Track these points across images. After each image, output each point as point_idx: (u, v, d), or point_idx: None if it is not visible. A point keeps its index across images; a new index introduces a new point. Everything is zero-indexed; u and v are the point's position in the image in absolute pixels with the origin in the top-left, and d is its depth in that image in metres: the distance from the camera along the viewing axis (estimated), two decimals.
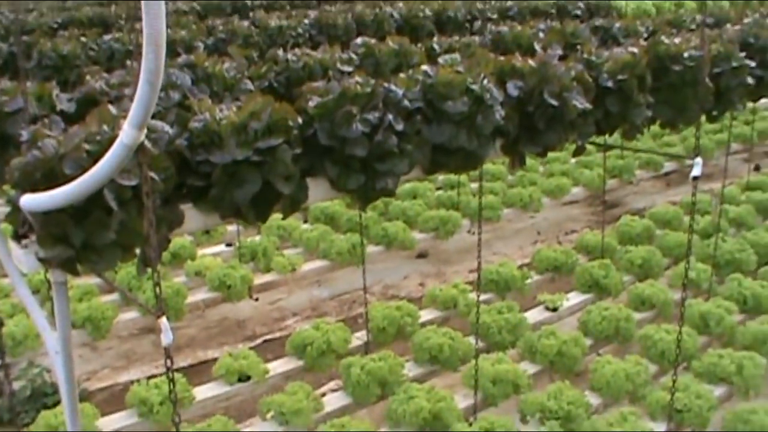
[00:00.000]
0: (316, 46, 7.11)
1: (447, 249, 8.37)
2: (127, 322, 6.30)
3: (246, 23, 7.28)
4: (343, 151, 3.06)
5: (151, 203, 2.22)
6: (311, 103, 3.11)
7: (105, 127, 2.59)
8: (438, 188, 9.35)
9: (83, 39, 6.47)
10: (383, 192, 3.19)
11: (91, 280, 6.55)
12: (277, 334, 6.73)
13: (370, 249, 7.48)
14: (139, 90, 1.90)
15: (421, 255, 8.28)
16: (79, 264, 2.55)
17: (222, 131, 2.76)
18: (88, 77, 3.88)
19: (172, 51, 6.36)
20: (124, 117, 2.72)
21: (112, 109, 2.72)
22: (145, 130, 1.98)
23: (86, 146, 2.49)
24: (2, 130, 3.39)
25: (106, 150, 2.50)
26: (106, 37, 6.48)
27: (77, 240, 2.45)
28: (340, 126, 3.04)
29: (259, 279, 7.03)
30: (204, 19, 9.24)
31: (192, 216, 2.82)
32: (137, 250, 2.68)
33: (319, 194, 3.16)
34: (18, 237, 2.61)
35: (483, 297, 6.34)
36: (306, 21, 7.32)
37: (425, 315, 6.22)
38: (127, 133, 1.96)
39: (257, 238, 7.49)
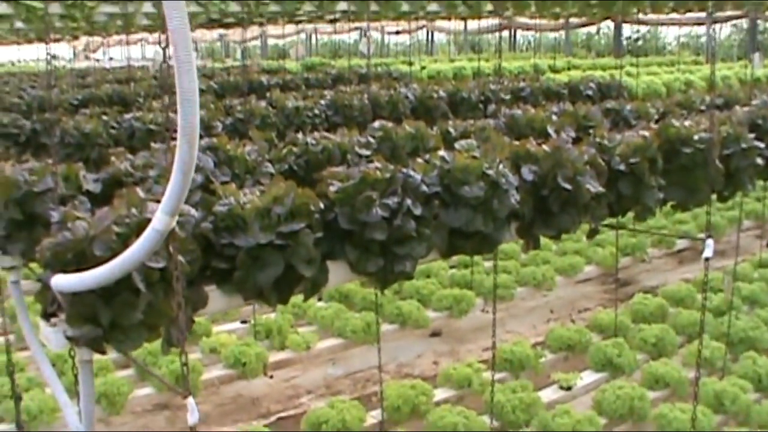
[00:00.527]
0: (333, 127, 7.25)
1: (460, 327, 8.39)
2: (142, 397, 6.33)
3: (263, 103, 7.43)
4: (363, 235, 3.14)
5: (180, 286, 2.29)
6: (332, 188, 3.20)
7: (134, 210, 2.68)
8: (451, 267, 9.39)
9: (105, 117, 6.61)
10: (402, 275, 3.25)
11: (105, 355, 6.58)
12: (292, 412, 6.73)
13: (385, 327, 7.52)
14: (173, 179, 1.98)
15: (435, 333, 8.30)
16: (106, 343, 2.61)
17: (246, 215, 2.85)
18: (113, 158, 3.97)
19: (166, 128, 6.48)
20: (152, 200, 2.83)
21: (140, 192, 2.81)
22: (177, 217, 2.06)
23: (115, 228, 2.58)
24: (31, 209, 3.47)
25: (134, 232, 2.60)
26: (127, 116, 6.61)
27: (105, 320, 2.52)
28: (361, 211, 3.12)
29: (274, 356, 7.06)
30: (221, 98, 9.41)
31: (215, 297, 2.89)
32: (161, 330, 2.75)
33: (339, 277, 3.23)
34: (47, 315, 2.68)
35: (497, 376, 6.35)
36: (322, 102, 7.47)
37: (440, 393, 6.23)
38: (159, 220, 2.04)
39: (272, 315, 7.54)
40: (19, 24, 11.33)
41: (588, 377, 6.61)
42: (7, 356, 4.41)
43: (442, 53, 32.73)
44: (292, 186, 2.99)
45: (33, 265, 3.70)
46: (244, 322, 7.69)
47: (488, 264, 9.26)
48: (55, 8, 8.19)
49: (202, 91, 10.63)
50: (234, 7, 9.06)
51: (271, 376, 7.21)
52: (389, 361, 7.59)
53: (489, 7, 10.56)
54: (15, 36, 16.15)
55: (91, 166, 5.13)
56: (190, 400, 2.43)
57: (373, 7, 10.01)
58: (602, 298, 9.58)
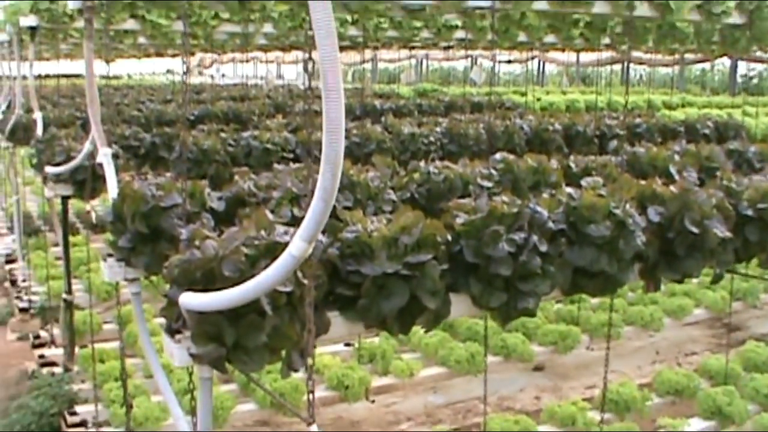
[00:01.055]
0: (448, 155, 7.22)
1: (564, 363, 8.25)
2: (245, 413, 6.37)
3: (378, 128, 7.43)
4: (488, 269, 3.09)
5: (311, 313, 2.28)
6: (459, 221, 3.16)
7: (262, 232, 2.68)
8: (557, 301, 9.26)
9: (223, 134, 6.69)
10: (524, 312, 3.19)
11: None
12: None
13: (488, 359, 7.42)
14: (313, 206, 1.97)
15: (538, 368, 8.17)
16: (229, 363, 2.61)
17: (373, 243, 2.83)
18: (236, 177, 4.00)
19: (307, 152, 6.53)
20: (279, 223, 2.83)
21: (269, 214, 2.81)
22: (313, 244, 2.04)
23: (244, 250, 2.58)
24: (156, 224, 3.51)
25: (263, 255, 2.60)
26: (245, 134, 6.68)
27: (230, 340, 2.52)
28: (487, 245, 3.08)
29: (376, 381, 7.03)
30: None
31: (337, 323, 2.87)
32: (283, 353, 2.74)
33: (461, 310, 3.19)
34: (171, 331, 2.70)
35: (599, 417, 6.22)
36: (438, 129, 7.44)
37: (542, 430, 6.12)
38: (297, 246, 2.02)
39: (376, 339, 7.53)
40: (141, 39, 11.61)
41: (696, 424, 6.42)
42: (121, 364, 4.47)
43: (552, 84, 32.53)
44: (420, 216, 2.96)
45: (154, 278, 3.75)
46: (347, 344, 7.69)
47: (594, 300, 9.10)
48: (179, 25, 8.33)
49: (315, 113, 10.69)
50: (352, 31, 9.11)
51: (373, 401, 7.18)
52: (491, 394, 7.49)
53: (606, 40, 10.39)
54: (135, 51, 16.55)
55: (209, 183, 5.19)
56: (314, 428, 2.40)
57: (490, 36, 9.91)
58: (710, 343, 9.32)
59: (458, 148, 7.29)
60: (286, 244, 2.62)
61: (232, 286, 2.46)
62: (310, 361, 2.38)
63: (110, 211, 3.71)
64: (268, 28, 8.74)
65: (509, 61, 29.52)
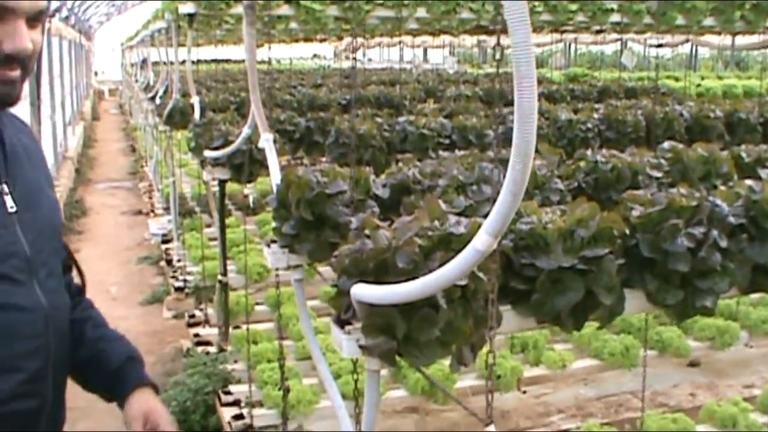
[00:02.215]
0: (605, 142, 7.04)
1: (721, 360, 7.95)
2: (394, 399, 6.38)
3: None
4: (665, 265, 2.96)
5: (495, 309, 2.20)
6: (634, 213, 3.03)
7: (436, 223, 2.62)
8: None
9: (378, 119, 6.67)
10: (701, 310, 3.04)
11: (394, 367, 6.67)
12: (541, 430, 6.58)
13: (642, 352, 7.22)
14: (501, 199, 1.89)
15: (693, 364, 7.90)
16: (399, 356, 2.56)
17: (548, 236, 2.73)
18: (400, 164, 3.95)
19: (463, 137, 6.46)
20: (451, 213, 2.76)
21: (442, 204, 2.74)
22: (499, 239, 1.96)
23: (418, 241, 2.52)
24: (321, 211, 3.49)
25: (436, 246, 2.53)
26: (400, 119, 6.64)
27: (401, 333, 2.47)
28: (665, 239, 2.94)
29: (528, 371, 6.93)
30: (489, 105, 9.36)
31: (508, 317, 2.78)
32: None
33: (635, 306, 3.06)
34: (340, 321, 2.66)
35: (762, 419, 5.98)
36: (595, 116, 7.25)
37: (701, 429, 5.91)
38: (482, 240, 1.95)
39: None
40: (292, 24, 11.72)
41: None
42: (279, 349, 4.50)
43: (704, 68, 31.57)
44: (596, 208, 2.85)
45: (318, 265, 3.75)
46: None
47: (754, 295, 8.75)
48: (332, 11, 8.36)
49: (467, 98, 10.69)
50: None
51: (524, 392, 7.08)
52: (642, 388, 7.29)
53: None
54: (285, 36, 16.75)
55: (365, 168, 5.17)
56: (491, 429, 2.33)
57: (647, 20, 9.64)
58: None
59: (616, 135, 7.10)
60: (460, 236, 2.56)
61: (405, 277, 2.41)
62: (491, 359, 2.30)
63: (274, 197, 3.71)
64: (421, 12, 8.68)
65: (660, 45, 28.73)
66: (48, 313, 1.81)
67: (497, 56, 2.23)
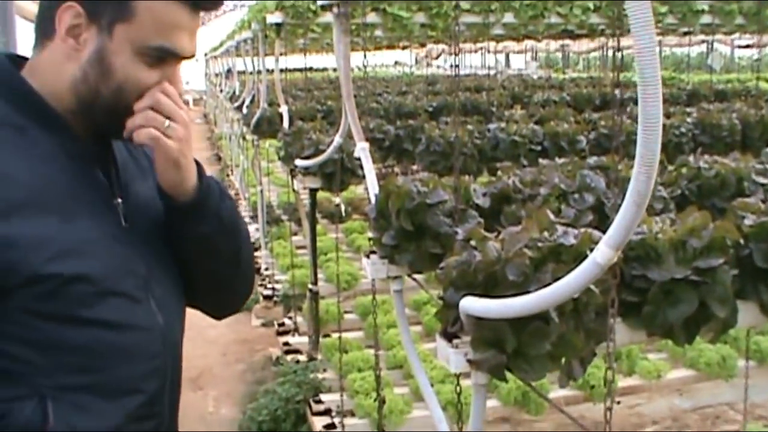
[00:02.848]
0: (700, 146, 6.88)
1: None
2: (489, 409, 6.32)
3: (627, 120, 7.16)
4: None
5: (614, 323, 2.14)
6: (746, 222, 2.94)
7: (545, 234, 2.57)
8: None
9: (468, 126, 6.62)
10: None
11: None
12: None
13: (740, 363, 7.05)
14: (623, 210, 1.83)
15: None
16: (508, 371, 2.51)
17: (660, 247, 2.66)
18: (499, 173, 3.90)
19: (555, 144, 6.38)
20: (560, 223, 2.70)
21: (550, 214, 2.69)
22: (620, 251, 1.90)
23: (528, 252, 2.47)
24: (421, 221, 3.45)
25: (546, 258, 2.48)
26: (491, 126, 6.58)
27: (511, 347, 2.42)
28: None
29: (621, 381, 6.81)
30: (578, 111, 9.25)
31: (619, 330, 2.71)
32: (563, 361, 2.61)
33: (748, 319, 2.96)
34: (447, 335, 2.62)
35: None
36: (688, 120, 7.10)
37: None
38: (602, 253, 1.89)
39: None
40: (377, 32, 11.73)
41: None
42: (375, 359, 4.47)
43: None
44: (708, 217, 2.76)
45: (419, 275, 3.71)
46: None
47: None
48: (418, 18, 8.35)
49: (555, 103, 10.59)
50: (594, 19, 8.85)
51: (618, 402, 6.96)
52: (739, 400, 7.10)
53: None
54: (369, 43, 16.78)
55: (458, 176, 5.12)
56: None
57: (739, 20, 9.45)
58: None
59: (711, 140, 6.94)
60: (570, 247, 2.50)
61: (515, 290, 2.36)
62: (609, 375, 2.24)
63: (373, 207, 3.69)
64: (508, 17, 8.62)
65: (748, 46, 28.15)
66: (164, 331, 1.79)
67: (617, 61, 2.15)
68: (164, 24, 1.68)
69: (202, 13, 1.77)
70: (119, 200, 1.78)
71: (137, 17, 1.66)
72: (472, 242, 2.67)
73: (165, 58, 1.71)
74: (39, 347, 1.59)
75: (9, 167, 1.60)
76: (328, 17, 7.18)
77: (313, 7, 8.04)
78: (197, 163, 1.87)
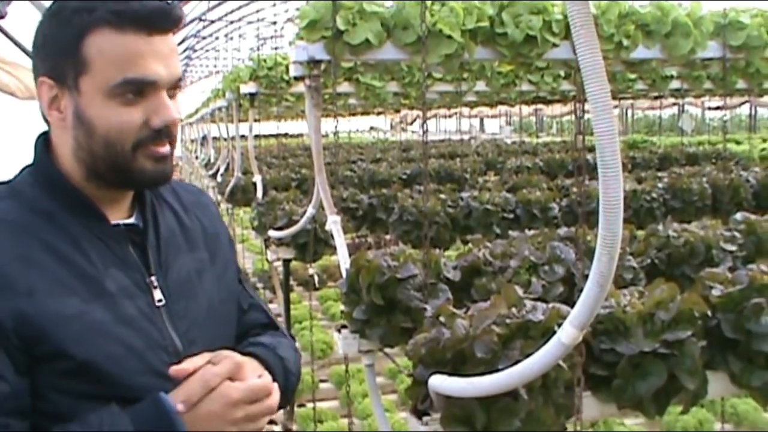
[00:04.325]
0: (671, 212, 6.94)
1: None
2: None
3: (597, 185, 7.20)
4: (749, 346, 2.87)
5: (580, 403, 2.14)
6: (715, 293, 2.96)
7: (513, 310, 2.57)
8: None
9: (441, 195, 6.64)
10: None
11: None
12: None
13: (716, 426, 7.04)
14: (587, 291, 1.84)
15: None
16: None
17: (628, 320, 2.67)
18: (470, 245, 3.92)
19: (528, 212, 6.40)
20: (528, 298, 2.72)
21: (518, 290, 2.70)
22: (584, 331, 1.91)
23: (496, 329, 2.48)
24: (392, 295, 3.46)
25: (515, 334, 2.49)
26: (464, 194, 6.61)
27: (481, 424, 2.41)
28: (748, 319, 2.86)
29: None
30: (552, 177, 9.31)
31: (589, 404, 2.71)
32: None
33: (718, 389, 2.98)
34: (417, 412, 2.61)
35: None
36: (659, 185, 7.15)
37: None
38: (567, 333, 1.90)
39: None
40: (351, 100, 11.83)
41: None
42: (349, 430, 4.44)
43: (764, 129, 31.25)
44: (675, 289, 2.78)
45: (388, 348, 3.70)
46: None
47: None
48: (392, 87, 8.41)
49: (528, 169, 10.65)
50: (565, 85, 8.95)
51: None
52: None
53: None
54: (342, 110, 16.90)
55: (430, 246, 5.13)
56: None
57: (707, 85, 9.58)
58: None
59: (682, 204, 6.99)
60: (539, 323, 2.51)
61: (483, 367, 2.37)
62: None
63: (344, 281, 3.69)
64: (480, 86, 8.71)
65: (718, 108, 28.52)
66: None
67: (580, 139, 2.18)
68: (121, 58, 1.65)
69: (168, 35, 1.70)
70: (152, 278, 1.75)
71: (94, 64, 1.65)
72: (441, 318, 2.67)
73: (141, 90, 1.67)
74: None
75: (35, 253, 1.61)
76: (301, 87, 7.25)
77: (286, 78, 8.09)
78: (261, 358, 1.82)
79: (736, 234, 4.20)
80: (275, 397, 1.73)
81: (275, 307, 10.35)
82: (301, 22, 4.15)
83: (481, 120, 29.63)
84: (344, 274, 3.79)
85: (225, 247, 1.98)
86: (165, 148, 1.71)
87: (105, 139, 1.67)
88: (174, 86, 1.72)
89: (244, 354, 1.74)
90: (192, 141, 26.40)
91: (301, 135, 28.77)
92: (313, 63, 4.27)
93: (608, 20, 4.56)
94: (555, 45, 4.34)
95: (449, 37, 4.02)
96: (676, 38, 4.89)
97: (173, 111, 1.69)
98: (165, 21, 1.68)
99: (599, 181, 1.81)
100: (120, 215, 1.78)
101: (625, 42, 4.63)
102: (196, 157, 22.23)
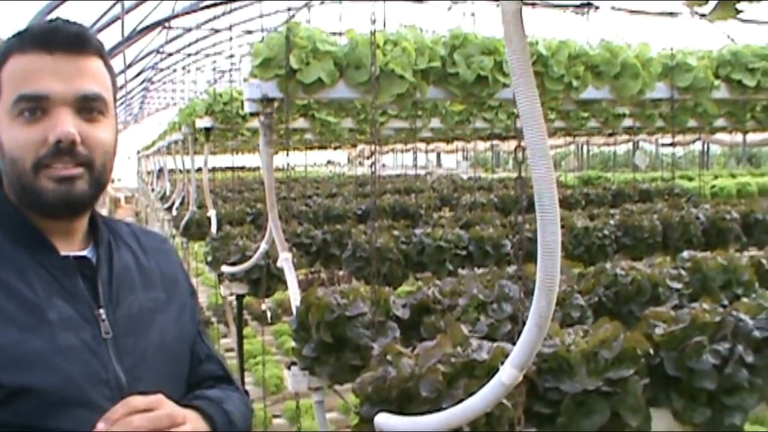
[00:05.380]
0: (622, 248, 7.03)
1: None
2: None
3: None
4: (691, 383, 2.93)
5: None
6: (657, 331, 3.01)
7: (459, 349, 2.60)
8: None
9: (395, 232, 6.67)
10: (731, 428, 2.99)
11: None
12: None
13: None
14: (526, 332, 1.88)
15: None
16: None
17: (572, 359, 2.71)
18: (419, 283, 3.95)
19: (480, 249, 6.45)
20: (474, 337, 2.75)
21: (464, 328, 2.73)
22: (525, 371, 1.94)
23: (441, 368, 2.50)
24: (341, 333, 3.48)
25: (460, 373, 2.51)
26: (417, 231, 6.64)
27: None
28: (690, 357, 2.92)
29: None
30: (506, 213, 9.39)
31: None
32: None
33: (661, 426, 3.02)
34: None
35: None
36: (611, 222, 7.25)
37: None
38: (507, 373, 1.93)
39: None
40: (307, 135, 11.87)
41: None
42: None
43: (717, 165, 31.70)
44: (619, 328, 2.83)
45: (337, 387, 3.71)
46: None
47: None
48: (347, 123, 8.47)
49: (482, 205, 10.72)
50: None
51: None
52: None
53: None
54: (299, 145, 16.93)
55: (383, 282, 5.15)
56: None
57: (659, 123, 9.75)
58: None
59: (633, 241, 7.08)
60: (483, 362, 2.54)
61: (428, 406, 2.39)
62: None
63: (294, 318, 3.70)
64: (435, 122, 8.80)
65: (672, 144, 28.88)
66: None
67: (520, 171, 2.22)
68: (18, 76, 1.66)
69: (76, 56, 1.68)
70: (100, 311, 1.72)
71: (3, 87, 1.67)
72: (388, 357, 2.70)
73: (41, 108, 1.65)
74: None
75: None
76: (257, 122, 7.29)
77: (242, 113, 8.11)
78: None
79: (683, 272, 4.27)
80: None
81: (229, 342, 10.32)
82: (254, 59, 4.18)
83: (438, 155, 29.74)
84: (294, 312, 3.80)
85: (184, 291, 1.96)
86: (70, 170, 1.67)
87: (10, 159, 1.67)
88: (85, 107, 1.69)
89: (187, 406, 1.73)
90: (149, 173, 26.27)
91: (257, 168, 28.73)
92: (266, 100, 4.31)
93: (558, 61, 4.64)
94: (506, 85, 4.41)
95: (401, 77, 4.07)
96: (625, 79, 4.99)
97: (67, 126, 1.65)
98: (62, 39, 1.68)
99: (538, 225, 1.85)
100: (72, 248, 1.77)
101: (575, 83, 4.72)
102: (152, 189, 22.12)
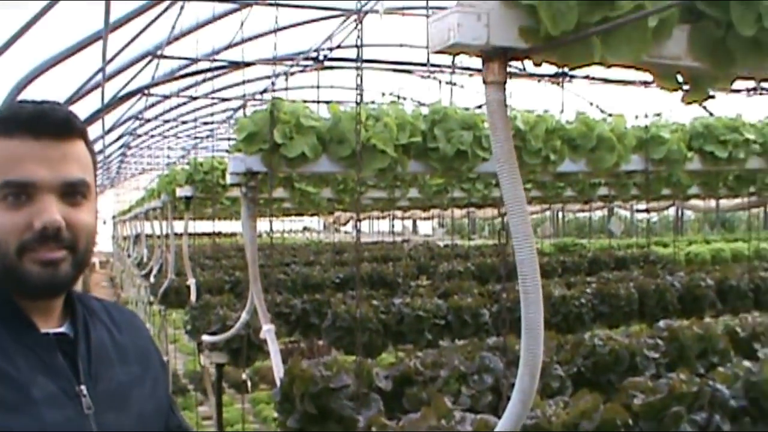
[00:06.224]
0: (598, 316, 7.11)
1: None
2: None
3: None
4: None
5: None
6: (636, 401, 3.08)
7: (443, 422, 2.66)
8: None
9: (374, 302, 6.72)
10: None
11: None
12: None
13: None
14: (511, 408, 1.95)
15: None
16: None
17: (553, 430, 2.76)
18: (401, 354, 4.00)
19: (459, 318, 6.50)
20: (458, 409, 2.80)
21: (447, 400, 2.79)
22: None
23: None
24: (325, 405, 3.51)
25: None
26: (396, 301, 6.69)
27: None
28: (668, 427, 2.98)
29: None
30: (483, 281, 9.46)
31: None
32: None
33: None
34: None
35: None
36: (588, 290, 7.34)
37: None
38: None
39: None
40: (286, 204, 11.93)
41: None
42: None
43: (691, 230, 31.97)
44: (598, 399, 2.90)
45: None
46: None
47: None
48: (326, 193, 8.54)
49: (460, 273, 10.79)
50: (497, 193, 9.17)
51: None
52: None
53: (752, 188, 10.22)
54: (277, 212, 16.98)
55: (363, 352, 5.19)
56: None
57: (633, 191, 9.90)
58: None
59: (610, 309, 7.18)
60: None
61: None
62: None
63: (278, 390, 3.74)
64: (413, 192, 8.90)
65: (647, 210, 29.12)
66: None
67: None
68: (3, 162, 1.67)
69: (61, 141, 1.71)
70: (82, 387, 1.74)
71: None
72: (373, 429, 2.75)
73: (26, 194, 1.67)
74: None
75: None
76: (237, 191, 7.35)
77: (222, 182, 8.16)
78: None
79: (659, 341, 4.35)
80: None
81: (206, 410, 10.27)
82: (239, 134, 4.26)
83: (414, 222, 29.93)
84: (278, 383, 3.83)
85: (156, 366, 1.99)
86: (55, 254, 1.70)
87: None
88: (68, 192, 1.72)
89: None
90: (125, 238, 26.18)
91: (235, 234, 28.76)
92: (250, 174, 4.38)
93: (536, 135, 4.76)
94: (485, 159, 4.50)
95: (383, 151, 4.16)
96: (601, 152, 5.11)
97: (53, 213, 1.67)
98: (48, 125, 1.70)
99: (522, 304, 1.91)
100: (50, 325, 1.79)
101: (552, 156, 4.82)
102: (129, 255, 22.03)
